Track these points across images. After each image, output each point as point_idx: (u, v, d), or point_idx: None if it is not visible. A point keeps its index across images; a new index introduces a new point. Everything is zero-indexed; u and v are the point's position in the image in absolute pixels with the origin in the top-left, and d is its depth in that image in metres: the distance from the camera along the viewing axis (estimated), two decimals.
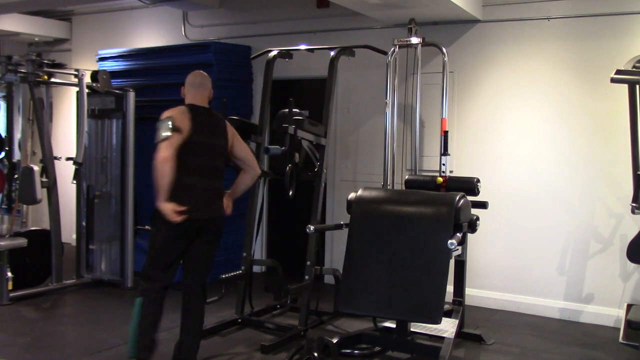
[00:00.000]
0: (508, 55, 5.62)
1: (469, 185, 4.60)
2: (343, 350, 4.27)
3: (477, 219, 4.30)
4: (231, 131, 4.05)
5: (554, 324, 5.26)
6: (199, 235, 3.89)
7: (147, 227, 6.62)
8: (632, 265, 5.01)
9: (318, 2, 6.43)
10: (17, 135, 5.95)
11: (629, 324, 4.38)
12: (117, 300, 5.81)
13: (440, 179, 4.76)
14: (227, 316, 5.04)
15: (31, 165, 5.69)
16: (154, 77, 6.84)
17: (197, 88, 3.96)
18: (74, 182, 6.29)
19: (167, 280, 3.88)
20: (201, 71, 4.10)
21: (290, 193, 4.65)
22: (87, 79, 6.00)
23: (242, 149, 4.09)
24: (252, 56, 6.17)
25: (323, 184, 5.03)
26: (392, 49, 5.48)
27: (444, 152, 5.19)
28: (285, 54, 5.43)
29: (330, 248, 6.44)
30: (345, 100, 6.39)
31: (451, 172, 5.39)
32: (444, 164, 5.16)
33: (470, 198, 4.26)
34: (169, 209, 3.64)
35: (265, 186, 5.66)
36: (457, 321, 4.43)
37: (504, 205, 5.53)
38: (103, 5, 7.89)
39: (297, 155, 4.76)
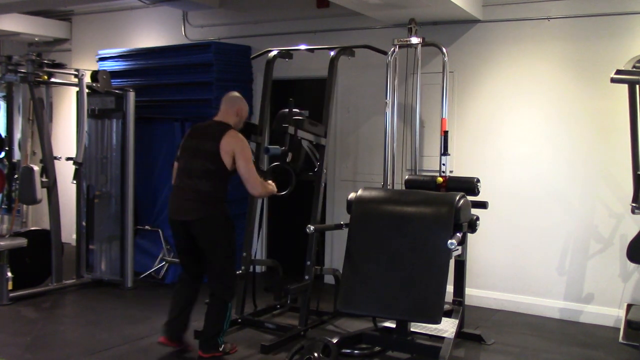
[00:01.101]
0: (508, 55, 5.62)
1: (469, 185, 4.60)
2: (343, 350, 4.26)
3: (477, 219, 4.30)
4: (230, 142, 4.10)
5: (554, 324, 5.26)
6: (192, 236, 4.18)
7: (147, 227, 6.63)
8: (632, 265, 5.01)
9: (318, 2, 6.43)
10: (17, 135, 5.95)
11: (629, 324, 4.39)
12: (117, 300, 5.81)
13: (440, 179, 4.76)
14: None
15: (31, 165, 5.68)
16: (154, 77, 6.83)
17: (224, 104, 4.34)
18: (74, 182, 6.28)
19: (189, 271, 4.37)
20: (236, 92, 4.41)
21: (284, 192, 4.62)
22: (87, 79, 6.00)
23: (241, 168, 4.12)
24: (252, 56, 6.17)
25: (323, 184, 5.03)
26: (392, 49, 5.47)
27: (444, 152, 5.19)
28: (285, 54, 5.43)
29: (330, 248, 6.44)
30: (345, 100, 6.39)
31: (451, 172, 5.39)
32: (444, 164, 5.16)
33: (470, 198, 4.26)
34: None
35: None
36: (457, 321, 4.43)
37: (504, 205, 5.53)
38: (103, 5, 7.89)
39: (289, 154, 4.72)
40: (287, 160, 4.71)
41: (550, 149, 5.46)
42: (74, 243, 6.76)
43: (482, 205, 4.61)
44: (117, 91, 6.22)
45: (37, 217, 8.32)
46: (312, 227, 4.43)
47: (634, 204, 4.39)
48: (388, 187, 5.49)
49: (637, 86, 4.34)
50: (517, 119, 5.59)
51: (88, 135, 6.27)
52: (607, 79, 4.32)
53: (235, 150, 4.11)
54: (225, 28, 7.10)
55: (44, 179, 5.78)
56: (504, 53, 5.64)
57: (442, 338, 4.16)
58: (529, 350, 4.60)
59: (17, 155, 5.92)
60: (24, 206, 7.34)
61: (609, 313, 5.19)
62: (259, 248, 6.73)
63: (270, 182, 4.49)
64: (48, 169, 5.85)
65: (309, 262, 4.83)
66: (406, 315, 4.02)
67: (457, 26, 5.78)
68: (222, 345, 4.24)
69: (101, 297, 5.90)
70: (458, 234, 3.90)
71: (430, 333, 4.34)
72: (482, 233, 4.70)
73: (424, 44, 5.38)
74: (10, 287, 5.48)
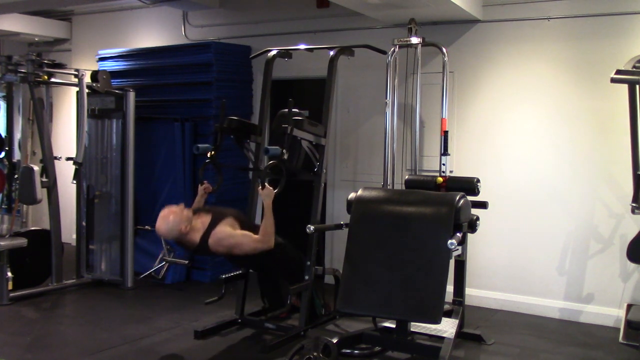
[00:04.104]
0: (508, 55, 5.62)
1: (469, 185, 4.60)
2: (343, 350, 4.27)
3: (477, 219, 4.30)
4: (214, 244, 4.35)
5: (554, 324, 5.26)
6: None
7: (147, 227, 6.62)
8: (632, 265, 5.01)
9: (318, 2, 6.43)
10: (17, 135, 5.95)
11: (629, 324, 4.39)
12: (117, 300, 5.81)
13: (440, 179, 4.76)
14: (227, 316, 5.04)
15: (31, 165, 5.68)
16: (154, 77, 6.84)
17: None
18: (74, 182, 6.28)
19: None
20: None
21: (275, 191, 4.59)
22: (87, 79, 5.99)
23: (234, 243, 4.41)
24: (251, 56, 6.17)
25: (323, 184, 5.03)
26: (392, 49, 5.48)
27: (444, 152, 5.19)
28: (285, 54, 5.42)
29: (330, 248, 6.44)
30: (345, 100, 6.39)
31: (451, 172, 5.40)
32: (444, 164, 5.16)
33: (470, 198, 4.26)
34: None
35: None
36: (457, 321, 4.43)
37: (504, 205, 5.53)
38: (103, 5, 7.88)
39: (284, 152, 4.69)
40: (282, 157, 4.67)
41: (550, 149, 5.45)
42: (74, 243, 6.75)
43: (482, 205, 4.61)
44: (117, 91, 6.21)
45: (37, 217, 8.32)
46: (312, 227, 4.43)
47: (634, 204, 4.39)
48: (388, 187, 5.49)
49: (637, 86, 4.34)
50: (517, 119, 5.59)
51: (88, 135, 6.26)
52: (607, 79, 4.33)
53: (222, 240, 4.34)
54: (225, 28, 7.10)
55: (44, 179, 5.78)
56: (504, 53, 5.64)
57: (442, 338, 4.16)
58: (529, 350, 4.60)
59: (17, 155, 5.92)
60: (24, 206, 7.34)
61: (609, 313, 5.19)
62: None
63: (267, 186, 4.48)
64: (48, 169, 5.85)
65: (309, 262, 4.83)
66: (406, 315, 4.02)
67: (457, 26, 5.78)
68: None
69: (101, 297, 5.90)
70: (458, 234, 3.90)
71: (430, 333, 4.34)
72: (482, 233, 4.70)
73: (424, 44, 5.38)
74: (10, 287, 5.48)
